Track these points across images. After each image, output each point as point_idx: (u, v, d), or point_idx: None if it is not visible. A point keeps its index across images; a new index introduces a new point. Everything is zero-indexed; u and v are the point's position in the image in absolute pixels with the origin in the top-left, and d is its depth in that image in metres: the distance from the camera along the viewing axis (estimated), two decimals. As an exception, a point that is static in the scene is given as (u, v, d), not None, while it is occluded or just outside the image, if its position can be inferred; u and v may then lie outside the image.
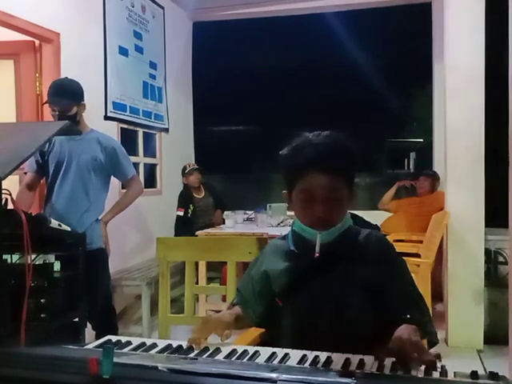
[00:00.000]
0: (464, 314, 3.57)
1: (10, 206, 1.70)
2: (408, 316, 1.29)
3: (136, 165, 4.57)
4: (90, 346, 1.28)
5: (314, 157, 1.36)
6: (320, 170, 1.35)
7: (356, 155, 1.44)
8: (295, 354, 1.23)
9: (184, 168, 5.33)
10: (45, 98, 3.09)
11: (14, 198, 1.78)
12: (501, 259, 3.75)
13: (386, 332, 1.39)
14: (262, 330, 1.63)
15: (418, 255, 3.85)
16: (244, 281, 1.62)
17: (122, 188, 3.83)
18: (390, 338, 1.36)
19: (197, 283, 3.39)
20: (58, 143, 2.91)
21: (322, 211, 1.37)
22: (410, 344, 1.13)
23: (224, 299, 2.62)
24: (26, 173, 3.04)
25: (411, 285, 1.48)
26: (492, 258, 3.77)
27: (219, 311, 1.57)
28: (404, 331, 1.21)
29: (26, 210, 2.54)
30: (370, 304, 1.40)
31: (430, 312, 1.51)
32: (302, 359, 1.21)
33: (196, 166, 5.31)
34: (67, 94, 2.84)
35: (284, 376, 0.92)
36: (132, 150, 4.71)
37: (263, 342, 1.54)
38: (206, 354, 1.25)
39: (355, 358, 1.19)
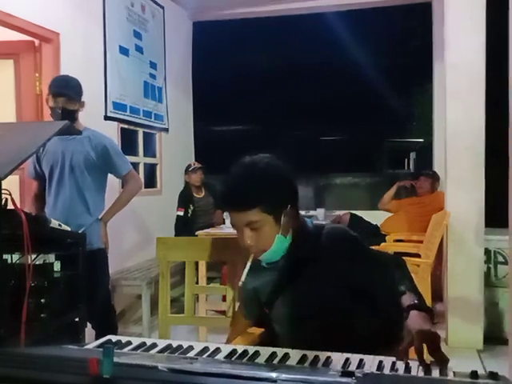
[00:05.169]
0: (464, 314, 3.57)
1: (10, 206, 1.70)
2: (416, 301, 1.29)
3: (136, 165, 4.57)
4: (90, 346, 1.28)
5: (224, 196, 1.45)
6: (229, 209, 1.43)
7: (271, 184, 1.39)
8: (295, 354, 1.23)
9: (188, 166, 5.32)
10: (45, 98, 3.05)
11: (26, 207, 1.77)
12: (501, 259, 3.75)
13: (362, 324, 1.42)
14: (262, 329, 1.64)
15: (418, 255, 3.85)
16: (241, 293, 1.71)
17: (122, 187, 3.82)
18: (371, 332, 1.37)
19: (197, 283, 3.38)
20: (51, 144, 2.87)
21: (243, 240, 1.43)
22: (430, 335, 1.15)
23: (224, 299, 2.61)
24: (34, 180, 3.03)
25: (389, 265, 1.50)
26: (492, 258, 3.76)
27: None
28: (419, 321, 1.21)
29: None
30: (340, 298, 1.44)
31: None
32: (302, 359, 1.21)
33: (200, 165, 5.31)
34: (72, 88, 2.83)
35: (284, 376, 0.92)
36: (132, 149, 4.71)
37: (263, 341, 1.55)
38: (206, 354, 1.25)
39: (355, 358, 1.19)
